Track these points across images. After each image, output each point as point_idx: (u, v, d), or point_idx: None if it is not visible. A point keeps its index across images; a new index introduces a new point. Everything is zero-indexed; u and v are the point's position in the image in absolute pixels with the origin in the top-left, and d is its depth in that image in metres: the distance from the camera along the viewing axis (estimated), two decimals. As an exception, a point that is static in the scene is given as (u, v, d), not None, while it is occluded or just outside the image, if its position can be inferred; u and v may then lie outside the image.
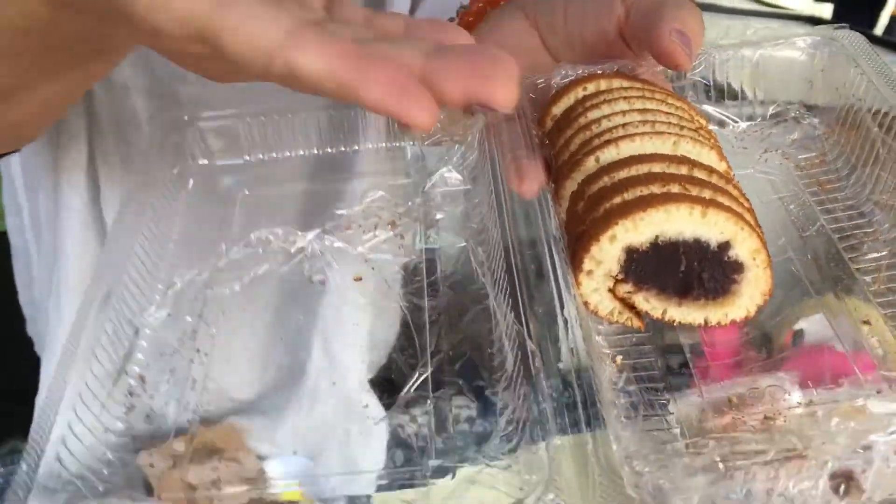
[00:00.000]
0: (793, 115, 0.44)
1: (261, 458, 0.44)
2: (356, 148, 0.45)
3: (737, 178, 0.39)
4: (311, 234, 0.39)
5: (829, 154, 0.42)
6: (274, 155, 0.45)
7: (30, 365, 0.82)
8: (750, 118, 0.45)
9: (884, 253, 0.36)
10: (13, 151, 0.53)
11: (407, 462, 0.38)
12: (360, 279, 0.41)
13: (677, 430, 0.31)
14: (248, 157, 0.45)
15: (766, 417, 0.35)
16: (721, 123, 0.45)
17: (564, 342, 0.31)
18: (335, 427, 0.43)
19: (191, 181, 0.44)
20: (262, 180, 0.46)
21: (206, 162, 0.45)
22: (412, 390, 0.37)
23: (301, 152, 0.45)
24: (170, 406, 0.40)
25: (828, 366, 0.37)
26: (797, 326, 0.40)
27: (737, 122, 0.45)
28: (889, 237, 0.36)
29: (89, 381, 0.34)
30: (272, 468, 0.44)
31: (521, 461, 0.30)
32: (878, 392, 0.35)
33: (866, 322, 0.35)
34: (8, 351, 0.84)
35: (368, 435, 0.41)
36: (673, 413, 0.32)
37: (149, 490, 0.72)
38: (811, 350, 0.39)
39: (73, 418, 0.33)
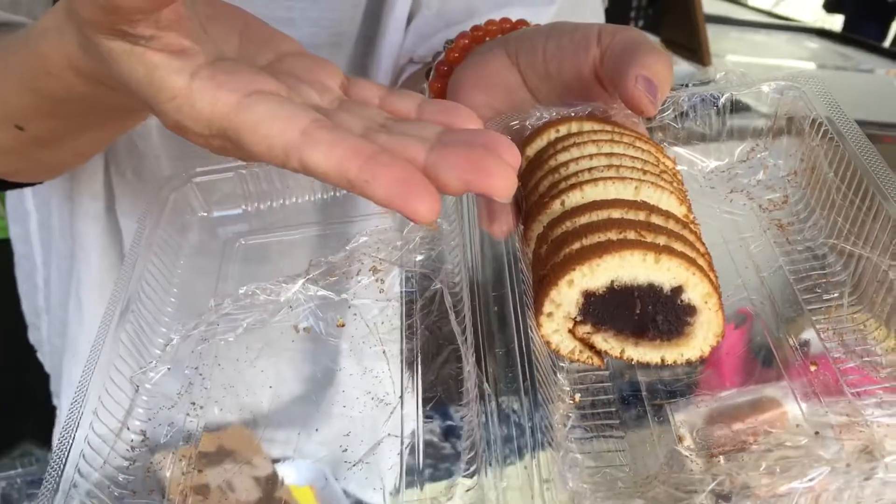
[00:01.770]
0: (758, 156, 0.46)
1: (273, 460, 0.45)
2: (343, 193, 0.47)
3: (704, 218, 0.41)
4: (297, 286, 0.41)
5: (791, 196, 0.44)
6: (270, 204, 0.47)
7: (34, 371, 0.84)
8: (718, 158, 0.47)
9: (835, 295, 0.38)
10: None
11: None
12: (343, 325, 0.43)
13: (627, 469, 0.33)
14: (245, 207, 0.47)
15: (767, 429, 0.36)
16: (690, 164, 0.47)
17: (520, 383, 0.33)
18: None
19: (190, 234, 0.45)
20: (257, 229, 0.48)
21: (205, 214, 0.46)
22: (385, 426, 0.39)
23: (295, 199, 0.47)
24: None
25: (831, 377, 0.39)
26: (802, 337, 0.41)
27: (705, 162, 0.47)
28: (840, 280, 0.38)
29: (109, 387, 0.36)
30: (285, 471, 0.45)
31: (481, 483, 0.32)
32: (880, 404, 0.36)
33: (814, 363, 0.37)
34: (16, 358, 0.87)
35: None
36: (625, 450, 0.34)
37: (163, 492, 0.74)
38: (815, 361, 0.40)
39: (94, 420, 0.35)
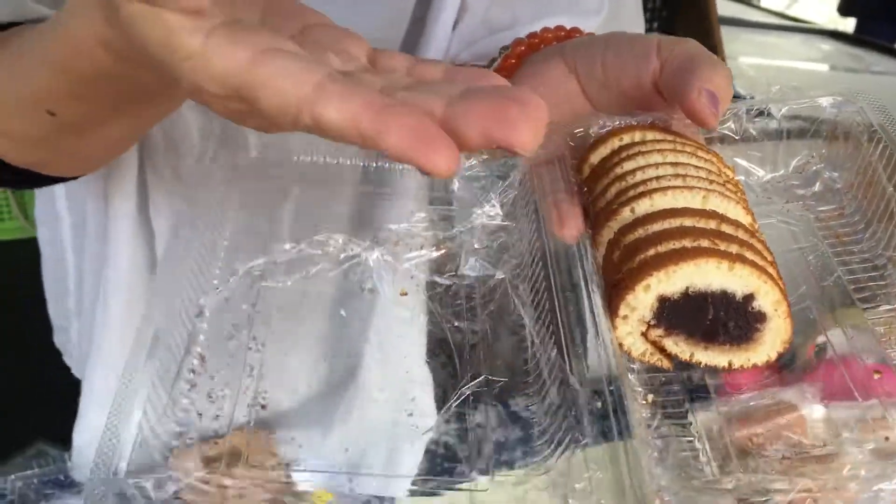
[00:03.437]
0: (814, 168, 0.47)
1: (287, 463, 0.47)
2: (402, 167, 0.47)
3: (761, 226, 0.42)
4: (364, 244, 0.41)
5: (847, 208, 0.45)
6: (324, 159, 0.47)
7: (56, 374, 0.85)
8: (774, 169, 0.48)
9: (873, 339, 0.39)
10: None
11: (442, 471, 0.41)
12: (406, 294, 0.44)
13: (702, 466, 0.34)
14: (297, 158, 0.46)
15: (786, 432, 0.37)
16: (747, 173, 0.48)
17: (603, 380, 0.34)
18: (380, 434, 0.46)
19: (244, 173, 0.45)
20: (311, 182, 0.47)
21: (256, 154, 0.46)
22: (453, 407, 0.40)
23: (349, 161, 0.47)
24: (226, 392, 0.41)
25: (850, 379, 0.40)
26: (821, 340, 0.42)
27: (761, 172, 0.48)
28: (874, 348, 0.39)
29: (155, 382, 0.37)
30: (298, 473, 0.47)
31: (556, 470, 0.33)
32: None
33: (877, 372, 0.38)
34: (34, 359, 0.87)
35: (411, 443, 0.44)
36: (696, 434, 0.35)
37: (177, 493, 0.75)
38: (834, 364, 0.42)
39: (143, 414, 0.36)
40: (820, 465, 0.37)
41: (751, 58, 1.71)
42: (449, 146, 0.28)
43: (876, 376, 0.38)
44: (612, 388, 0.32)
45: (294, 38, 0.37)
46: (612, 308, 0.37)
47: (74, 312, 0.82)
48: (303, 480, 0.46)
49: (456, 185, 0.50)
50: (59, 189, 0.76)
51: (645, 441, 0.32)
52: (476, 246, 0.45)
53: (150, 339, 0.35)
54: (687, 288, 0.36)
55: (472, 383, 0.40)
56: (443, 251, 0.45)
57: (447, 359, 0.42)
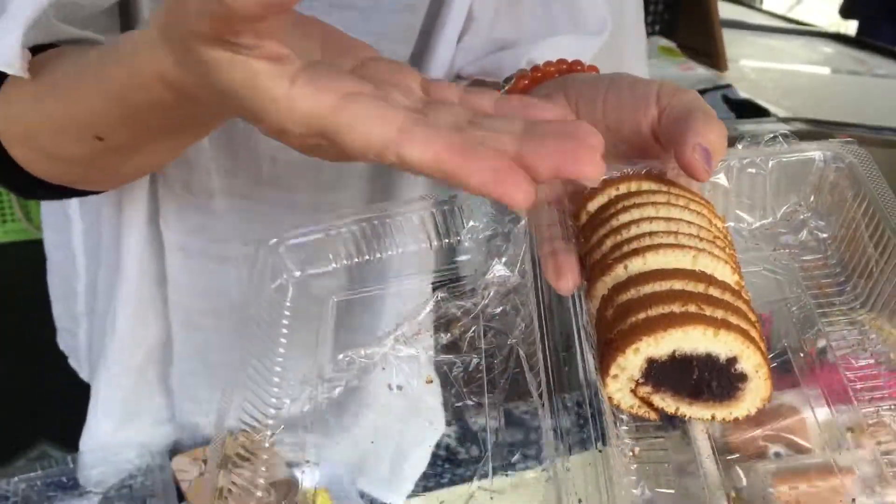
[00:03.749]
0: (801, 217, 0.50)
1: (290, 464, 0.49)
2: (413, 249, 0.49)
3: (748, 274, 0.44)
4: (387, 345, 0.44)
5: (830, 258, 0.48)
6: (356, 259, 0.49)
7: (58, 375, 0.87)
8: (763, 216, 0.50)
9: (871, 361, 0.42)
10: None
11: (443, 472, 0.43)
12: (431, 382, 0.46)
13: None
14: (335, 265, 0.49)
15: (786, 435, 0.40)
16: (737, 219, 0.51)
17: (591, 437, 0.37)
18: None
19: (289, 293, 0.47)
20: (350, 284, 0.50)
21: (298, 273, 0.48)
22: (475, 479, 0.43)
23: (379, 255, 0.49)
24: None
25: (850, 383, 0.42)
26: (821, 343, 0.45)
27: (751, 220, 0.50)
28: (874, 349, 0.42)
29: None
30: (302, 475, 0.49)
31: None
32: None
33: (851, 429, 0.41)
34: (35, 360, 0.89)
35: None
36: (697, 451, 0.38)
37: (181, 495, 0.78)
38: (835, 367, 0.43)
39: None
40: (819, 471, 0.39)
41: (753, 61, 1.72)
42: (526, 181, 0.32)
43: (864, 363, 0.40)
44: (598, 448, 0.34)
45: (354, 70, 0.40)
46: (603, 367, 0.39)
47: (84, 314, 0.84)
48: (305, 481, 0.48)
49: (465, 246, 0.51)
50: None
51: (623, 448, 0.35)
52: (494, 313, 0.47)
53: None
54: (674, 351, 0.39)
55: (494, 456, 0.42)
56: (459, 329, 0.47)
57: (464, 434, 0.45)
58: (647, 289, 0.41)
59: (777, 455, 0.44)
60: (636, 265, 0.43)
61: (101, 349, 0.77)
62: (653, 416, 0.41)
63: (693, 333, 0.38)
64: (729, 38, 1.56)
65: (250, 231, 0.70)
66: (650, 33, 1.62)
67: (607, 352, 0.40)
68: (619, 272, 0.43)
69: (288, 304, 0.45)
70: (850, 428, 0.40)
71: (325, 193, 0.72)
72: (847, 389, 0.42)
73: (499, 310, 0.46)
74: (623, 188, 0.48)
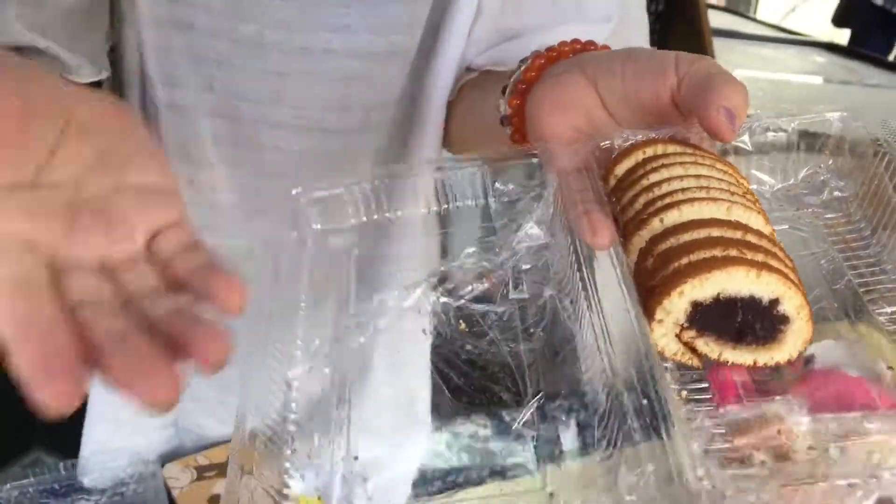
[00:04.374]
0: (821, 178, 0.51)
1: (282, 470, 0.49)
2: (447, 207, 0.50)
3: (776, 233, 0.45)
4: (418, 291, 0.44)
5: (853, 215, 0.49)
6: (375, 217, 0.50)
7: None
8: (784, 179, 0.52)
9: (857, 372, 0.43)
10: None
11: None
12: (465, 329, 0.46)
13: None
14: (353, 222, 0.50)
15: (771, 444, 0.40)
16: (759, 182, 0.52)
17: (647, 380, 0.37)
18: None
19: (309, 243, 0.47)
20: (368, 241, 0.51)
21: (318, 227, 0.49)
22: (522, 424, 0.43)
23: (398, 213, 0.50)
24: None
25: (837, 391, 0.43)
26: (808, 351, 0.46)
27: (772, 182, 0.52)
28: (861, 359, 0.43)
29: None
30: (292, 481, 0.49)
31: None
32: (885, 419, 0.41)
33: (890, 368, 0.42)
34: None
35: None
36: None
37: (172, 502, 0.77)
38: (821, 375, 0.45)
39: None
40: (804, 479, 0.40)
41: (745, 70, 1.75)
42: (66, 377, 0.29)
43: (850, 373, 0.41)
44: (654, 387, 0.35)
45: (99, 193, 0.35)
46: (648, 312, 0.40)
47: None
48: (295, 485, 0.48)
49: (494, 208, 0.52)
50: None
51: (685, 433, 0.35)
52: (524, 267, 0.48)
53: None
54: (718, 294, 0.39)
55: (534, 400, 0.43)
56: (493, 280, 0.48)
57: (510, 381, 0.45)
58: (686, 237, 0.41)
59: (762, 463, 0.44)
60: (672, 217, 0.43)
61: None
62: (696, 362, 0.42)
63: (736, 275, 0.39)
64: (722, 47, 1.60)
65: (255, 226, 0.70)
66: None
67: (651, 297, 0.40)
68: (656, 225, 0.44)
69: (309, 256, 0.45)
70: (837, 436, 0.41)
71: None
72: (833, 398, 0.43)
73: (529, 265, 0.47)
74: (650, 151, 0.49)
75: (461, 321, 0.45)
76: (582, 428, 0.41)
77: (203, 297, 0.33)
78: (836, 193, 0.50)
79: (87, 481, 0.79)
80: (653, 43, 1.73)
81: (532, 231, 0.47)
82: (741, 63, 1.79)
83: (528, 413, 0.43)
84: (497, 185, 0.50)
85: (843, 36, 2.82)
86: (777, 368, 0.44)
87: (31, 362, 0.29)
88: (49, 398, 0.28)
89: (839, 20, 2.84)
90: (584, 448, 0.41)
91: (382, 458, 0.52)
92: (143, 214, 0.36)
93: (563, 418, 0.42)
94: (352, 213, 0.49)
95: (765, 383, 0.43)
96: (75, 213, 0.34)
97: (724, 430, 0.41)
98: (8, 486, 0.78)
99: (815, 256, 0.48)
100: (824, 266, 0.47)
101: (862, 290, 0.45)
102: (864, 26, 2.70)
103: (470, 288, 0.46)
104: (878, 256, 0.46)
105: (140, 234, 0.35)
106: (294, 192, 0.47)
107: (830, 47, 2.08)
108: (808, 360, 0.45)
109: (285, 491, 0.39)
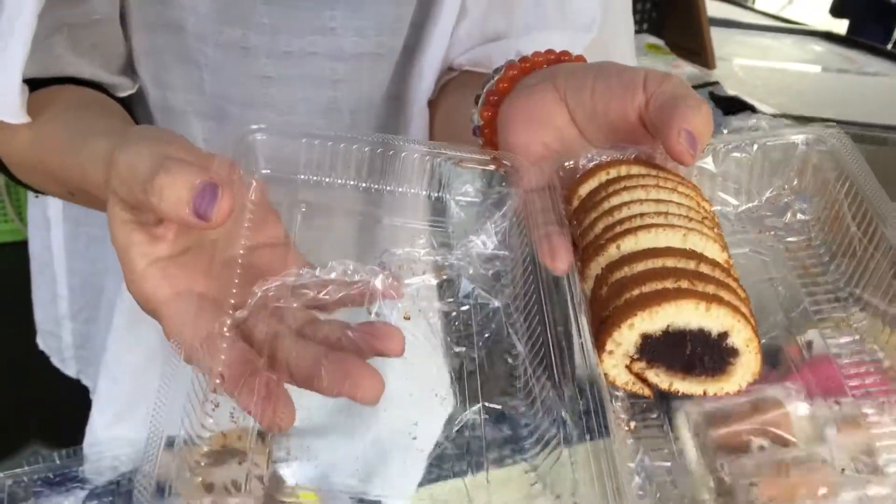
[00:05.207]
0: (785, 200, 0.51)
1: (276, 461, 0.49)
2: (401, 190, 0.50)
3: (735, 255, 0.45)
4: (369, 269, 0.43)
5: (814, 240, 0.49)
6: (327, 180, 0.50)
7: (50, 376, 0.86)
8: (748, 200, 0.52)
9: (856, 338, 0.43)
10: None
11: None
12: (409, 318, 0.46)
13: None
14: (302, 177, 0.50)
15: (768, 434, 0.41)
16: (723, 203, 0.52)
17: (588, 408, 0.38)
18: (382, 454, 0.49)
19: (252, 190, 0.46)
20: (316, 199, 0.51)
21: (267, 172, 0.49)
22: (454, 430, 0.44)
23: (352, 182, 0.50)
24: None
25: (833, 378, 0.43)
26: (806, 338, 0.46)
27: (736, 203, 0.52)
28: (861, 327, 0.43)
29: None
30: (287, 472, 0.49)
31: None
32: (881, 405, 0.41)
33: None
34: (25, 363, 0.89)
35: (412, 463, 0.48)
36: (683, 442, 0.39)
37: (167, 490, 0.78)
38: (818, 362, 0.45)
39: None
40: (802, 464, 0.40)
41: (744, 59, 1.74)
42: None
43: (847, 359, 0.42)
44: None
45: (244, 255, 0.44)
46: (599, 343, 0.40)
47: (67, 317, 0.83)
48: (294, 479, 0.48)
49: (453, 208, 0.52)
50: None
51: (623, 436, 0.36)
52: (471, 272, 0.48)
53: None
54: (668, 326, 0.40)
55: (470, 410, 0.43)
56: (443, 277, 0.48)
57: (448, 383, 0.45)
58: (640, 266, 0.42)
59: (761, 448, 0.44)
60: (628, 244, 0.44)
61: (105, 350, 0.76)
62: (646, 392, 0.42)
63: (686, 308, 0.39)
64: (720, 37, 1.58)
65: None
66: (637, 31, 1.64)
67: (603, 328, 0.40)
68: (612, 252, 0.44)
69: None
70: (834, 422, 0.41)
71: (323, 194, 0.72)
72: (831, 384, 0.43)
73: (481, 272, 0.47)
74: (613, 172, 0.49)
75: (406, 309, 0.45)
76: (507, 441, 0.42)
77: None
78: (800, 216, 0.51)
79: (87, 472, 0.80)
80: (651, 32, 1.71)
81: (486, 239, 0.47)
82: (739, 53, 1.78)
83: (463, 420, 0.43)
84: (457, 183, 0.50)
85: (841, 26, 2.80)
86: (775, 354, 0.44)
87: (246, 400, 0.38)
88: (266, 421, 0.38)
89: (837, 10, 2.83)
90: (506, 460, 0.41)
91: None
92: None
93: (497, 432, 0.43)
94: (300, 168, 0.49)
95: (763, 370, 0.43)
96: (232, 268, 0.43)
97: (721, 416, 0.41)
98: (1, 475, 0.79)
99: (774, 282, 0.48)
100: (782, 293, 0.47)
101: (817, 317, 0.45)
102: (861, 16, 2.68)
103: (419, 279, 0.46)
104: (834, 284, 0.47)
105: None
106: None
107: (828, 36, 2.06)
108: (807, 347, 0.45)
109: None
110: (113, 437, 0.79)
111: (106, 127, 0.52)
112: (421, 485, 0.49)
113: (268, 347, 0.41)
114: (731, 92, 1.48)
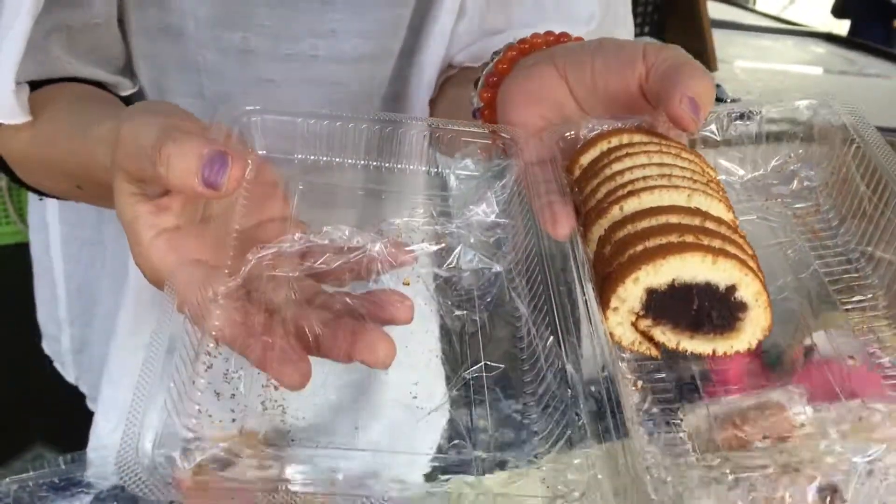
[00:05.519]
0: (791, 168, 0.50)
1: (278, 458, 0.48)
2: (400, 166, 0.50)
3: (741, 223, 0.45)
4: (368, 236, 0.43)
5: (822, 205, 0.48)
6: (324, 158, 0.50)
7: (52, 378, 0.86)
8: (754, 169, 0.51)
9: (868, 296, 0.42)
10: None
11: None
12: (408, 284, 0.46)
13: (689, 446, 0.37)
14: (300, 156, 0.50)
15: (771, 436, 0.40)
16: (728, 173, 0.51)
17: (594, 365, 0.37)
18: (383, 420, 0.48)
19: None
20: (315, 178, 0.51)
21: (264, 153, 0.49)
22: (454, 391, 0.43)
23: (350, 160, 0.50)
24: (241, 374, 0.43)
25: (837, 381, 0.42)
26: (808, 342, 0.45)
27: (742, 172, 0.51)
28: (873, 283, 0.42)
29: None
30: (290, 470, 0.48)
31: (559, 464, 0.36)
32: (886, 407, 0.40)
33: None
34: (26, 365, 0.88)
35: (415, 422, 0.47)
36: (685, 431, 0.38)
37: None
38: (821, 365, 0.44)
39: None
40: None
41: (745, 61, 1.75)
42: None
43: (850, 362, 0.41)
44: (605, 374, 0.34)
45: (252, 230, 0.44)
46: (603, 300, 0.39)
47: (66, 320, 0.82)
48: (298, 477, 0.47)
49: (453, 182, 0.52)
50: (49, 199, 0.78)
51: (635, 422, 0.34)
52: (472, 241, 0.47)
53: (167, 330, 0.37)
54: (673, 280, 0.39)
55: (472, 369, 0.42)
56: (442, 245, 0.47)
57: (448, 345, 0.45)
58: (644, 224, 0.41)
59: (764, 451, 0.43)
60: (632, 205, 0.43)
61: (97, 354, 0.76)
62: (654, 351, 0.41)
63: (691, 261, 0.38)
64: (722, 38, 1.58)
65: None
66: (639, 33, 1.64)
67: (607, 285, 0.39)
68: (615, 213, 0.43)
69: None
70: (837, 425, 0.40)
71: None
72: (833, 388, 0.42)
73: (481, 240, 0.46)
74: (615, 141, 0.48)
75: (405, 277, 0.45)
76: (519, 407, 0.41)
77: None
78: (806, 183, 0.50)
79: (92, 477, 0.79)
80: (652, 34, 1.72)
81: (487, 208, 0.46)
82: (740, 54, 1.78)
83: (463, 382, 0.42)
84: (458, 157, 0.49)
85: (842, 27, 2.81)
86: (778, 357, 0.44)
87: (259, 358, 0.38)
88: (284, 377, 0.38)
89: (838, 11, 2.83)
90: (519, 432, 0.40)
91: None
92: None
93: (499, 392, 0.42)
94: (298, 147, 0.49)
95: (766, 372, 0.42)
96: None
97: (725, 419, 0.40)
98: (7, 480, 0.78)
99: (783, 246, 0.47)
100: (791, 256, 0.46)
101: (827, 279, 0.44)
102: (862, 17, 2.69)
103: (419, 246, 0.45)
104: (845, 246, 0.45)
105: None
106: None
107: (830, 38, 2.07)
108: (809, 351, 0.44)
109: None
110: (117, 441, 0.78)
111: (109, 112, 0.52)
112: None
113: (279, 315, 0.40)
114: (732, 95, 1.47)
